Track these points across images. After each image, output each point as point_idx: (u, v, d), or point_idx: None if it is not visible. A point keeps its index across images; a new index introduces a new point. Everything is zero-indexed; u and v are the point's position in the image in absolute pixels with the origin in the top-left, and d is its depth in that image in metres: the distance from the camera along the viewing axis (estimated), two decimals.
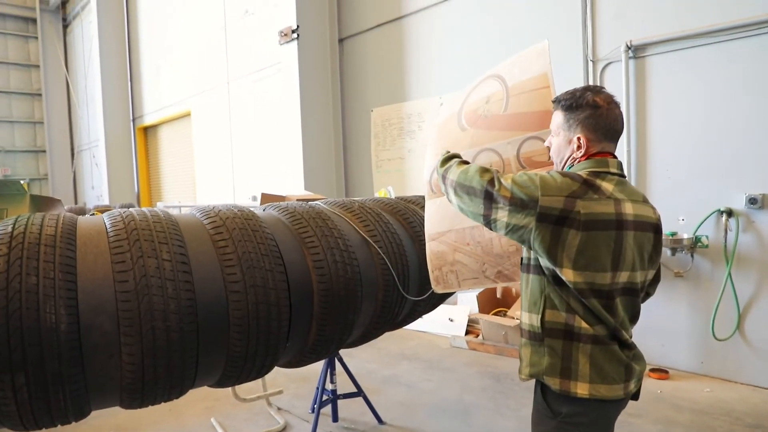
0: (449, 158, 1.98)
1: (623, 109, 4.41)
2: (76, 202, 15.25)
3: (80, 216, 2.05)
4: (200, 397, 4.13)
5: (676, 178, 4.43)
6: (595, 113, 1.67)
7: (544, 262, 1.62)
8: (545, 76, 2.01)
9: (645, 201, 1.70)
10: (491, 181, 1.66)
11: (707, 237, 4.28)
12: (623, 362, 1.62)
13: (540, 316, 1.65)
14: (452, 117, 2.32)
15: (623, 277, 1.60)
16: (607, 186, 1.61)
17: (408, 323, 3.09)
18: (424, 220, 2.80)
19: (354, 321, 2.37)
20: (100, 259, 1.76)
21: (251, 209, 2.32)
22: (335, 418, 3.70)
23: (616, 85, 4.60)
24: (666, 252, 4.38)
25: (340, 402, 3.70)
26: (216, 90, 9.33)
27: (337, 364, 3.66)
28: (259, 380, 3.90)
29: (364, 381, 4.21)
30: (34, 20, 15.45)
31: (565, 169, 1.76)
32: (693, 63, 4.27)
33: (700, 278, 4.37)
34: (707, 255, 4.32)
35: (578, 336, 1.60)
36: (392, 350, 5.38)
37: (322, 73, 7.27)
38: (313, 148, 7.16)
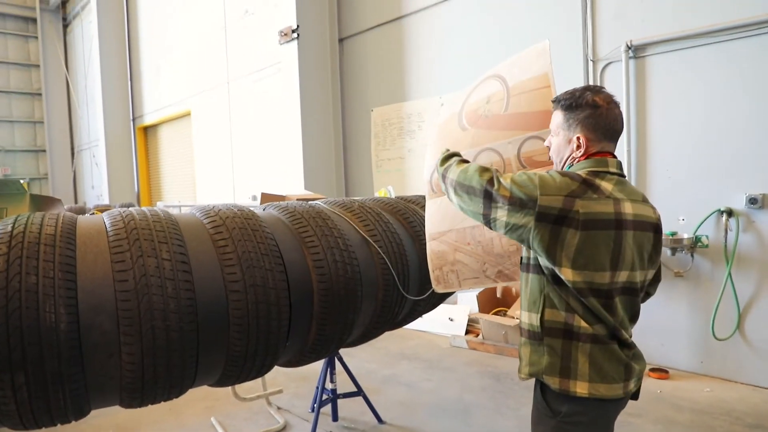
0: (449, 157, 1.98)
1: (623, 108, 4.40)
2: (76, 202, 15.25)
3: (80, 215, 2.05)
4: (200, 397, 4.13)
5: (676, 177, 4.43)
6: (594, 113, 1.67)
7: (544, 262, 1.62)
8: (546, 76, 2.01)
9: (645, 201, 1.70)
10: (490, 181, 1.66)
11: (707, 237, 4.28)
12: (623, 361, 1.62)
13: (539, 315, 1.65)
14: (453, 117, 2.32)
15: (622, 276, 1.60)
16: (606, 185, 1.61)
17: (408, 323, 3.09)
18: (424, 220, 2.80)
19: (354, 320, 2.37)
20: (99, 258, 1.76)
21: (251, 209, 2.32)
22: (335, 418, 3.70)
23: (616, 85, 4.60)
24: (666, 252, 4.38)
25: (339, 401, 3.70)
26: (216, 90, 9.33)
27: (337, 363, 3.66)
28: (259, 379, 3.90)
29: (363, 380, 4.21)
30: (34, 20, 15.45)
31: (565, 168, 1.76)
32: (693, 63, 4.27)
33: (700, 278, 4.37)
34: (707, 255, 4.32)
35: (577, 335, 1.60)
36: (392, 350, 5.38)
37: (322, 72, 7.27)
38: (313, 147, 7.16)
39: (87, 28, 13.73)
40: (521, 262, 1.79)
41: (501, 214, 1.63)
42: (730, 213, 4.13)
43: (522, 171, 1.85)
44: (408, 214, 2.89)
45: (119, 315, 1.69)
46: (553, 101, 1.80)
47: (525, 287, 1.75)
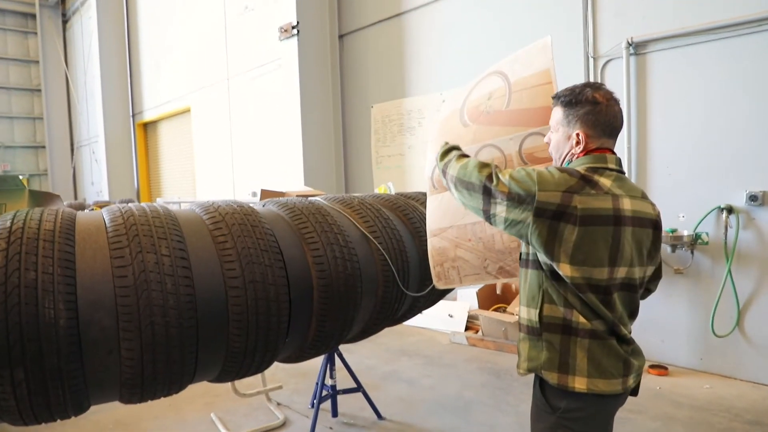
0: (448, 151, 1.99)
1: (624, 105, 4.40)
2: (75, 198, 15.24)
3: (79, 212, 2.04)
4: (200, 393, 4.14)
5: (676, 174, 4.43)
6: (594, 109, 1.67)
7: (542, 257, 1.63)
8: (548, 72, 2.01)
9: (644, 197, 1.70)
10: (489, 177, 1.67)
11: (707, 234, 4.28)
12: (621, 357, 1.62)
13: (538, 310, 1.66)
14: (454, 113, 2.31)
15: (621, 272, 1.60)
16: (605, 181, 1.61)
17: (408, 319, 3.09)
18: (424, 217, 2.80)
19: (354, 317, 2.37)
20: (99, 254, 1.75)
21: (251, 205, 2.32)
22: (335, 414, 3.70)
23: (617, 82, 4.60)
24: (666, 249, 4.38)
25: (339, 397, 3.70)
26: (216, 86, 9.32)
27: (337, 359, 3.66)
28: (259, 375, 3.90)
29: (363, 377, 4.21)
30: (33, 16, 15.40)
31: (564, 164, 1.76)
32: (694, 60, 4.26)
33: (700, 275, 4.37)
34: (707, 252, 4.32)
35: (576, 331, 1.60)
36: (392, 346, 5.39)
37: (322, 69, 7.25)
38: (313, 144, 7.15)
39: (86, 24, 13.69)
40: (520, 258, 1.79)
41: (500, 210, 1.64)
42: (730, 210, 4.13)
43: (520, 167, 1.85)
44: (408, 211, 2.88)
45: (118, 311, 1.69)
46: (553, 97, 1.80)
47: (524, 283, 1.75)
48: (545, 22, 5.14)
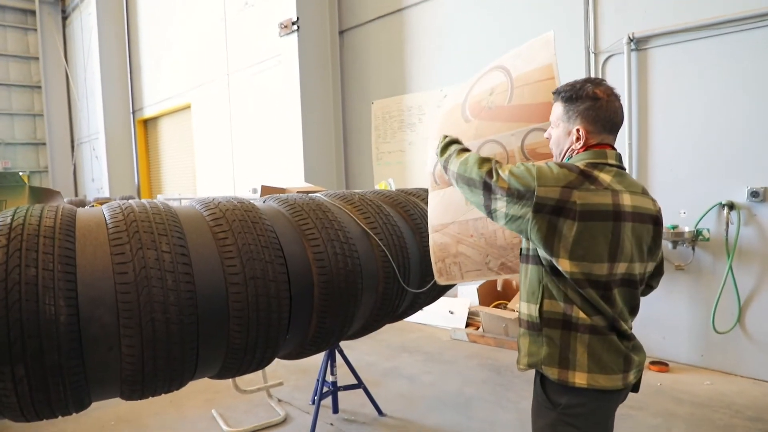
0: (447, 145, 1.99)
1: (625, 101, 4.39)
2: (76, 195, 15.24)
3: (79, 208, 2.04)
4: (201, 389, 4.14)
5: (677, 170, 4.42)
6: (594, 105, 1.67)
7: (542, 253, 1.62)
8: (550, 67, 2.00)
9: (644, 193, 1.69)
10: (489, 173, 1.68)
11: (708, 230, 4.28)
12: (622, 353, 1.62)
13: (538, 306, 1.65)
14: (456, 108, 2.31)
15: (621, 268, 1.60)
16: (604, 177, 1.61)
17: (408, 315, 3.09)
18: (424, 213, 2.79)
19: (354, 313, 2.37)
20: (99, 251, 1.75)
21: (251, 201, 2.31)
22: (335, 410, 3.71)
23: (618, 77, 4.58)
24: (667, 245, 4.37)
25: (340, 394, 3.71)
26: (216, 82, 9.30)
27: (338, 356, 3.66)
28: (260, 372, 3.91)
29: (364, 373, 4.22)
30: (33, 12, 15.35)
31: (564, 160, 1.76)
32: (695, 56, 4.25)
33: (701, 271, 4.37)
34: (708, 248, 4.31)
35: (576, 326, 1.60)
36: (392, 342, 5.39)
37: (323, 65, 7.23)
38: (314, 140, 7.14)
39: (86, 21, 13.66)
40: (521, 254, 1.79)
41: (500, 205, 1.64)
42: (731, 206, 4.12)
43: (520, 162, 1.85)
44: (408, 207, 2.88)
45: (119, 307, 1.68)
46: (554, 93, 1.80)
47: (524, 278, 1.75)
48: (546, 17, 5.12)
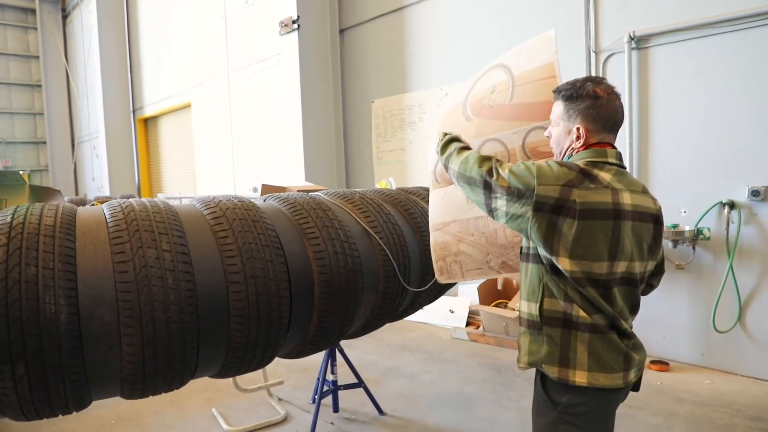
0: (448, 143, 1.98)
1: (625, 100, 4.38)
2: (77, 193, 15.23)
3: (80, 207, 2.04)
4: (201, 388, 4.14)
5: (678, 169, 4.41)
6: (595, 104, 1.67)
7: (542, 252, 1.62)
8: (551, 66, 1.99)
9: (644, 191, 1.69)
10: (489, 171, 1.68)
11: (709, 229, 4.27)
12: (622, 351, 1.62)
13: (538, 304, 1.65)
14: (457, 107, 2.30)
15: (621, 267, 1.60)
16: (604, 176, 1.61)
17: (409, 314, 3.09)
18: (425, 212, 2.79)
19: (355, 312, 2.37)
20: (99, 249, 1.75)
21: (251, 200, 2.31)
22: (336, 409, 3.71)
23: (619, 76, 4.58)
24: (668, 244, 4.37)
25: (340, 393, 3.71)
26: (216, 81, 9.29)
27: (338, 355, 3.66)
28: (260, 371, 3.91)
29: (364, 372, 4.22)
30: (33, 11, 15.34)
31: (565, 159, 1.76)
32: (696, 54, 4.24)
33: (701, 270, 4.37)
34: (709, 247, 4.31)
35: (576, 324, 1.60)
36: (393, 341, 5.39)
37: (323, 64, 7.23)
38: (314, 139, 7.13)
39: (86, 19, 13.65)
40: (521, 252, 1.79)
41: (500, 204, 1.65)
42: (732, 205, 4.11)
43: (520, 161, 1.85)
44: (409, 206, 2.88)
45: (119, 306, 1.68)
46: (554, 91, 1.80)
47: (524, 277, 1.75)
48: (546, 16, 5.11)
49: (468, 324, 5.62)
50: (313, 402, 3.70)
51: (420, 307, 3.09)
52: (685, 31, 4.26)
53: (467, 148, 1.93)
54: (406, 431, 3.48)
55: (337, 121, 7.44)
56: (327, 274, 2.20)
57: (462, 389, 4.11)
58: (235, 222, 2.04)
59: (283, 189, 3.89)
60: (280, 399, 3.98)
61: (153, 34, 11.65)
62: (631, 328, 1.69)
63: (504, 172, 1.64)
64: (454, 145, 1.95)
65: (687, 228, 4.32)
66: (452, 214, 2.28)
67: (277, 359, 2.33)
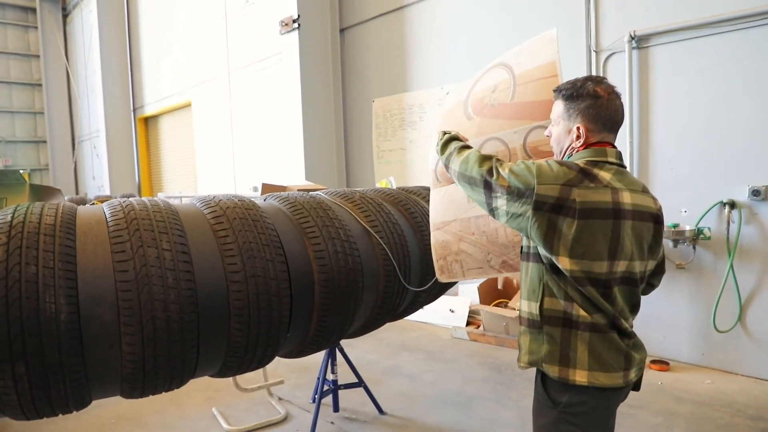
0: (448, 142, 1.98)
1: (626, 99, 4.37)
2: (77, 193, 15.24)
3: (80, 206, 2.03)
4: (201, 387, 4.14)
5: (678, 169, 4.41)
6: (595, 103, 1.67)
7: (542, 251, 1.62)
8: (553, 65, 1.99)
9: (645, 191, 1.69)
10: (490, 171, 1.68)
11: (710, 229, 4.27)
12: (622, 350, 1.62)
13: (539, 304, 1.66)
14: (458, 105, 2.30)
15: (621, 266, 1.60)
16: (604, 175, 1.61)
17: (409, 314, 3.08)
18: (425, 211, 2.79)
19: (355, 311, 2.37)
20: (99, 248, 1.75)
21: (252, 199, 2.31)
22: (336, 408, 3.71)
23: (620, 75, 4.57)
24: (668, 244, 4.36)
25: (340, 392, 3.71)
26: (216, 80, 9.29)
27: (338, 354, 3.66)
28: (260, 370, 3.91)
29: (365, 371, 4.22)
30: (33, 9, 15.34)
31: (565, 158, 1.76)
32: (697, 54, 4.24)
33: (702, 270, 4.36)
34: (709, 247, 4.31)
35: (576, 324, 1.60)
36: (393, 341, 5.39)
37: (324, 63, 7.23)
38: (314, 138, 7.13)
39: (87, 18, 13.64)
40: (521, 251, 1.80)
41: (501, 203, 1.65)
42: (732, 205, 4.11)
43: (520, 160, 1.85)
44: (409, 205, 2.87)
45: (119, 305, 1.68)
46: (554, 91, 1.80)
47: (525, 276, 1.75)
48: (547, 15, 5.11)
49: (468, 323, 5.62)
50: (314, 401, 3.70)
51: (420, 306, 3.09)
52: (685, 30, 4.26)
53: (467, 146, 1.93)
54: (407, 431, 3.48)
55: (338, 121, 7.44)
56: (327, 274, 2.20)
57: (462, 389, 4.11)
58: (236, 221, 2.04)
59: (283, 188, 3.88)
60: (280, 398, 3.98)
61: (153, 33, 11.65)
62: (632, 327, 1.69)
63: (504, 172, 1.64)
64: (454, 145, 1.94)
65: (687, 227, 4.32)
66: (453, 213, 2.28)
67: (277, 358, 2.33)
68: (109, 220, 1.85)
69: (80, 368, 1.66)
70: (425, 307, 3.35)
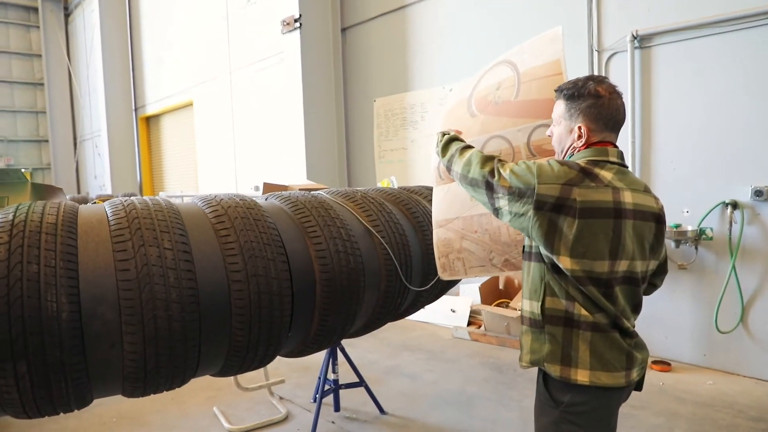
0: (448, 143, 1.98)
1: (628, 99, 4.37)
2: (78, 192, 15.25)
3: (81, 205, 2.03)
4: (202, 386, 4.14)
5: (680, 169, 4.40)
6: (596, 103, 1.67)
7: (543, 250, 1.62)
8: (558, 63, 1.99)
9: (646, 190, 1.69)
10: (491, 172, 1.69)
11: (712, 229, 4.26)
12: (624, 350, 1.61)
13: (540, 303, 1.66)
14: (462, 103, 2.29)
15: (622, 266, 1.60)
16: (605, 174, 1.61)
17: (410, 314, 3.08)
18: (427, 211, 2.78)
19: (356, 311, 2.36)
20: (101, 247, 1.75)
21: (253, 198, 2.31)
22: (337, 408, 3.71)
23: (622, 75, 4.56)
24: (670, 244, 4.36)
25: (341, 392, 3.71)
26: (218, 80, 9.30)
27: (339, 354, 3.66)
28: (261, 370, 3.91)
29: (366, 371, 4.21)
30: (35, 9, 15.37)
31: (566, 158, 1.76)
32: (699, 53, 4.23)
33: (704, 271, 4.35)
34: (711, 247, 4.30)
35: (578, 323, 1.60)
36: (394, 341, 5.39)
37: (325, 62, 7.23)
38: (316, 137, 7.13)
39: (88, 18, 13.66)
40: (523, 251, 1.80)
41: (503, 204, 1.66)
42: (735, 205, 4.10)
43: (522, 160, 1.85)
44: (411, 205, 2.87)
45: (121, 304, 1.68)
46: (556, 90, 1.80)
47: (527, 275, 1.75)
48: (549, 15, 5.10)
49: (469, 323, 5.61)
50: (314, 401, 3.70)
51: (422, 306, 3.08)
52: (687, 30, 4.25)
53: (469, 147, 1.92)
54: (407, 430, 3.48)
55: (339, 120, 7.44)
56: (329, 273, 2.20)
57: (463, 389, 4.11)
58: (237, 220, 2.04)
59: (284, 187, 3.88)
60: (281, 398, 3.98)
61: (155, 32, 11.66)
62: (634, 327, 1.68)
63: (505, 172, 1.64)
64: (455, 146, 1.94)
65: (690, 228, 4.31)
66: (456, 210, 2.27)
67: (278, 358, 2.33)
68: (110, 219, 1.85)
69: (82, 367, 1.66)
70: (426, 306, 3.35)
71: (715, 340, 4.30)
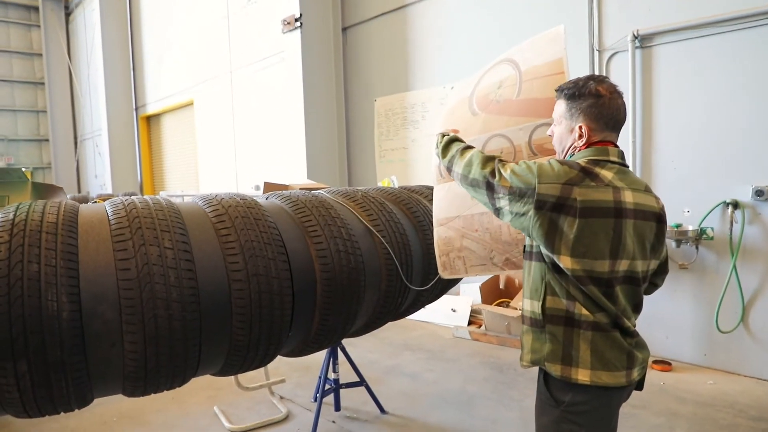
0: (448, 144, 1.98)
1: (629, 99, 4.37)
2: (79, 191, 15.26)
3: (82, 204, 2.03)
4: (203, 386, 4.14)
5: (681, 169, 4.40)
6: (597, 102, 1.67)
7: (544, 250, 1.62)
8: (560, 62, 1.98)
9: (647, 190, 1.69)
10: (492, 173, 1.69)
11: (712, 229, 4.26)
12: (625, 349, 1.61)
13: (541, 302, 1.66)
14: (463, 101, 2.29)
15: (623, 265, 1.60)
16: (606, 174, 1.60)
17: (411, 313, 3.08)
18: (427, 210, 2.78)
19: (357, 311, 2.36)
20: (102, 246, 1.75)
21: (254, 198, 2.31)
22: (337, 408, 3.71)
23: (623, 75, 4.56)
24: (671, 244, 4.35)
25: (342, 391, 3.70)
26: (219, 79, 9.30)
27: (340, 353, 3.66)
28: (262, 369, 3.91)
29: (366, 371, 4.21)
30: (36, 8, 15.37)
31: (567, 157, 1.76)
32: (700, 53, 4.23)
33: (704, 270, 4.35)
34: (712, 247, 4.29)
35: (579, 323, 1.60)
36: (395, 340, 5.39)
37: (326, 62, 7.23)
38: (316, 137, 7.13)
39: (89, 17, 13.67)
40: (524, 250, 1.80)
41: (504, 204, 1.66)
42: (735, 205, 4.10)
43: (522, 160, 1.85)
44: (411, 204, 2.87)
45: (122, 304, 1.68)
46: (557, 90, 1.80)
47: (527, 275, 1.75)
48: (549, 14, 5.09)
49: (470, 323, 5.61)
50: (315, 400, 3.70)
51: (422, 305, 3.08)
52: (688, 29, 4.24)
53: (469, 147, 1.92)
54: (408, 430, 3.48)
55: (340, 120, 7.44)
56: (329, 273, 2.20)
57: (464, 388, 4.10)
58: (238, 220, 2.04)
59: (285, 187, 3.88)
60: (281, 397, 3.98)
61: (155, 32, 11.66)
62: (635, 326, 1.68)
63: (506, 173, 1.65)
64: (456, 147, 1.94)
65: (690, 228, 4.30)
66: (456, 209, 2.27)
67: (279, 357, 2.33)
68: (111, 218, 1.85)
69: (82, 366, 1.66)
70: (427, 306, 3.35)
71: (716, 340, 4.29)
